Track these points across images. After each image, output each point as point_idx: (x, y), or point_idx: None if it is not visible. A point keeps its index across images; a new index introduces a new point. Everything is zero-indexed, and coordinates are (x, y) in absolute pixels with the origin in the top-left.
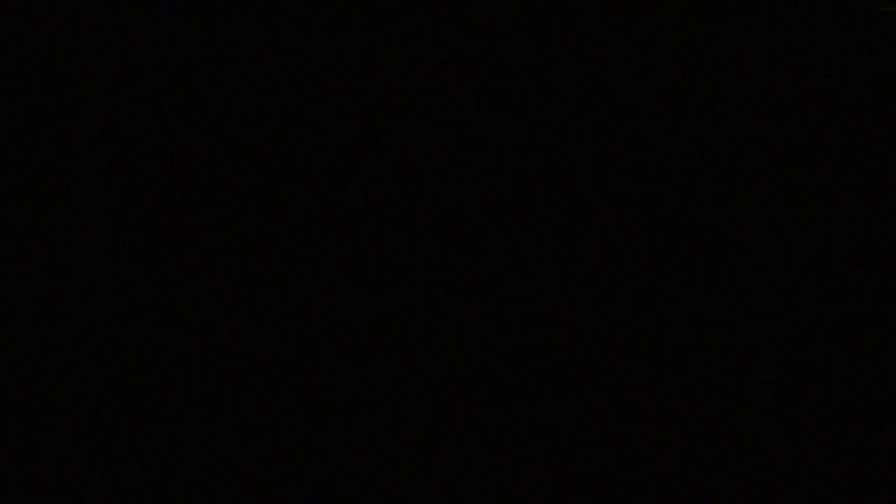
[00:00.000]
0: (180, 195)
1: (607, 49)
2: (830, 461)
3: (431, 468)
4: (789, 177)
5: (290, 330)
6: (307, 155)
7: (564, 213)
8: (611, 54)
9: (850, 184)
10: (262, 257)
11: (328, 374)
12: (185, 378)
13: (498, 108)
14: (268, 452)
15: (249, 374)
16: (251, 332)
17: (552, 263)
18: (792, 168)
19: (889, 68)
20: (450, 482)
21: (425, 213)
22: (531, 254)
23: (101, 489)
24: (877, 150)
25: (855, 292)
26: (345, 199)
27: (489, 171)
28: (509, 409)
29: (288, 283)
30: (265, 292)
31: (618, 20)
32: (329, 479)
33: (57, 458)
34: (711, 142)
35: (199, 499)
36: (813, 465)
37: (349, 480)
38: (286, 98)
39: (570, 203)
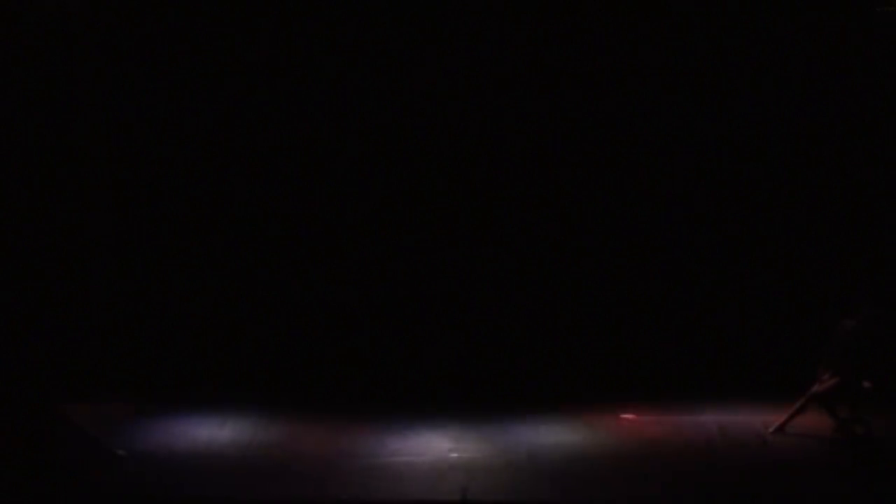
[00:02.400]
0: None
1: (608, 50)
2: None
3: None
4: (788, 175)
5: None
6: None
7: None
8: (610, 55)
9: (850, 181)
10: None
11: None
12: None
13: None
14: None
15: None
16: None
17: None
18: (790, 166)
19: (889, 68)
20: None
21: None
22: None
23: None
24: (876, 148)
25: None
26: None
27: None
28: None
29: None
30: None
31: (617, 21)
32: None
33: None
34: (709, 141)
35: None
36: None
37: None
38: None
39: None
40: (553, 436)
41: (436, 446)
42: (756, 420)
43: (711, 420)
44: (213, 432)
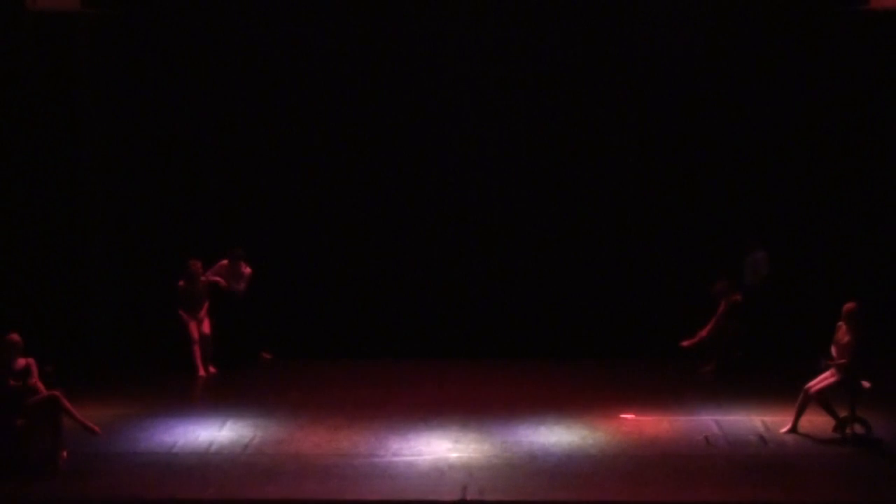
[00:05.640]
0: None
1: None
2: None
3: None
4: (783, 175)
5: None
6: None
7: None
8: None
9: (846, 180)
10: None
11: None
12: None
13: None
14: None
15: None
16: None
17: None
18: (786, 166)
19: (885, 66)
20: None
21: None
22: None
23: None
24: (873, 147)
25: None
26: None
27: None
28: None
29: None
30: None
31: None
32: None
33: None
34: (704, 141)
35: None
36: None
37: None
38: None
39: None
40: (553, 435)
41: (436, 446)
42: (755, 419)
43: (710, 419)
44: (213, 432)
